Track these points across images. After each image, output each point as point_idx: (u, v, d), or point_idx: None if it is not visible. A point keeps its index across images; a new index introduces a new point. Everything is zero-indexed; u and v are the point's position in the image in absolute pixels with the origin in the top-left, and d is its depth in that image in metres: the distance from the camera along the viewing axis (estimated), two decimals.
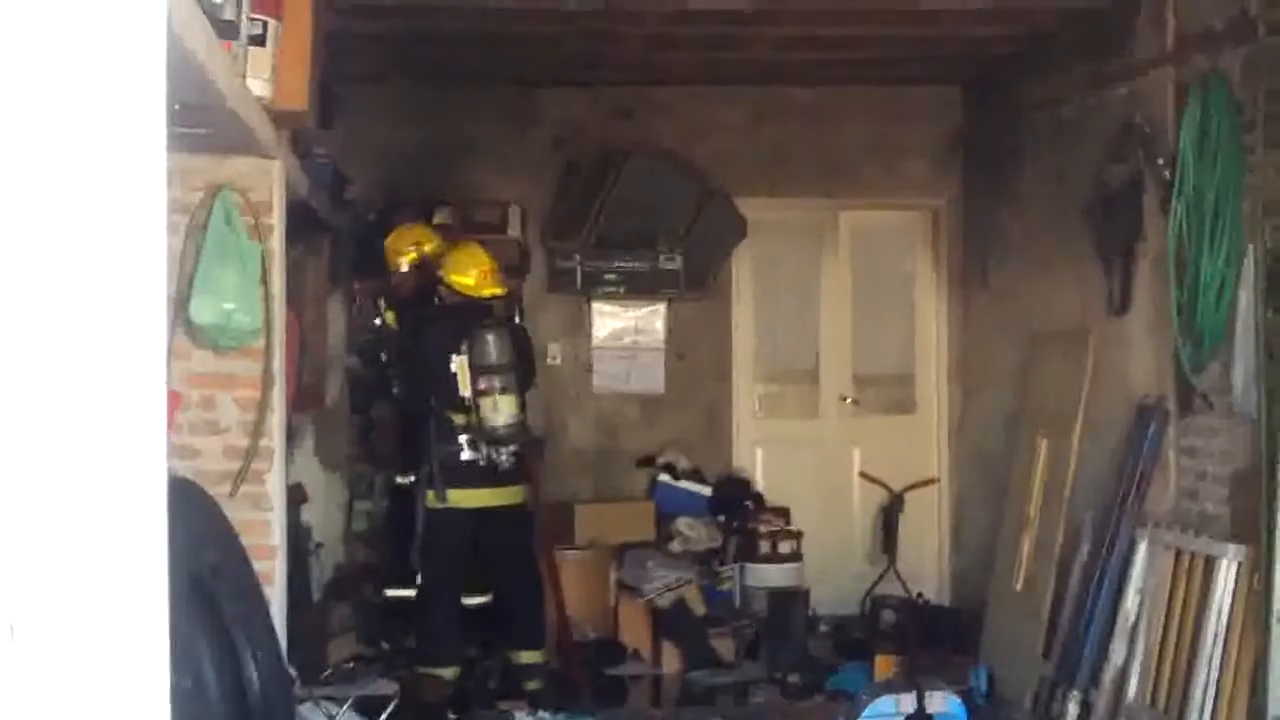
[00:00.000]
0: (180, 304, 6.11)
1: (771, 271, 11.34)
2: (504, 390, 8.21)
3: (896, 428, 11.30)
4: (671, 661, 9.38)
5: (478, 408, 8.17)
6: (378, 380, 9.32)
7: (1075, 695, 7.72)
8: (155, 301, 1.87)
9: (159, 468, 1.89)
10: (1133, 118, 7.98)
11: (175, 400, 6.04)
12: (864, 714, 3.89)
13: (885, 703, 3.96)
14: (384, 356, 9.14)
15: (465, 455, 8.24)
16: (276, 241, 6.40)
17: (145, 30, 1.84)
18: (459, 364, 8.22)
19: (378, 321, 9.19)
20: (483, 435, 8.20)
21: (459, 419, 8.25)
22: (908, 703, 3.98)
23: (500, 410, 8.18)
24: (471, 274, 8.55)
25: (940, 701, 3.98)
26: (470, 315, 8.41)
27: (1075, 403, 8.43)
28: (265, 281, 6.22)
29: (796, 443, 11.20)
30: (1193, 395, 7.24)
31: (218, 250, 6.09)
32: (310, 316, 8.31)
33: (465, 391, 8.20)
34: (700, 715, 5.07)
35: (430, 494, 8.20)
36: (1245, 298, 6.66)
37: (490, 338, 8.24)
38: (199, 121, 5.35)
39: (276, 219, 6.41)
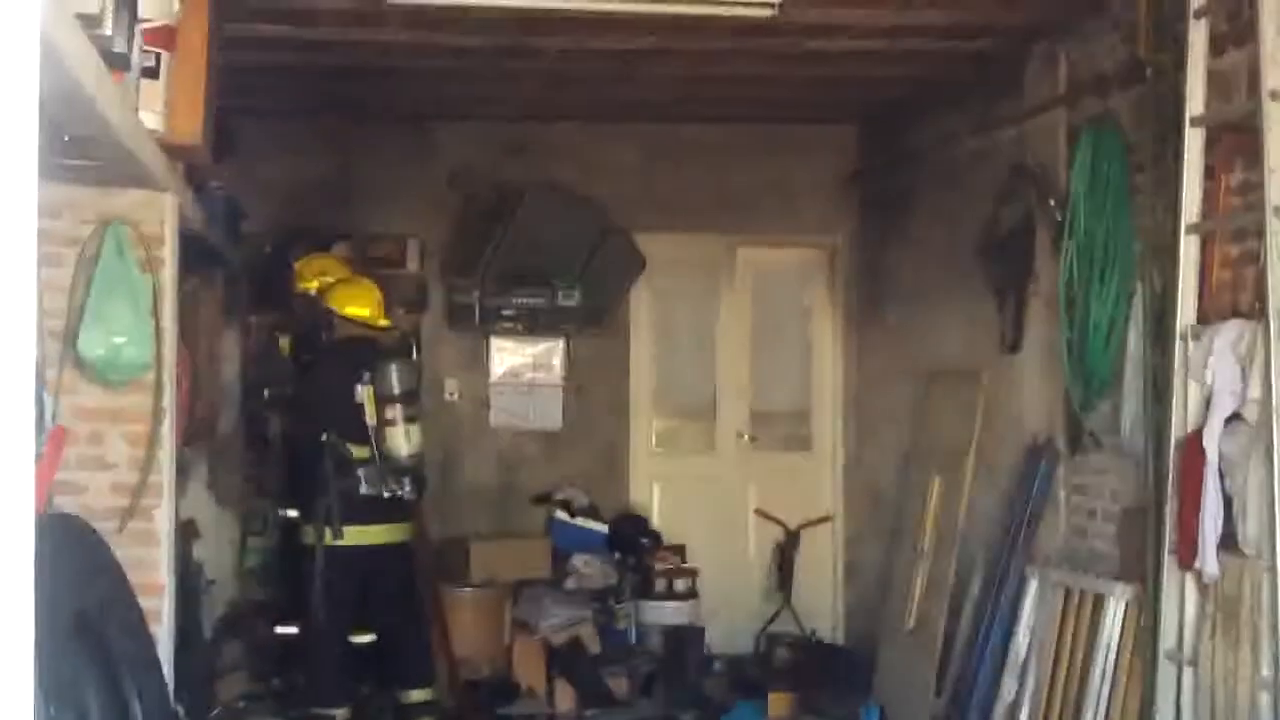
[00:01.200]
0: (69, 338, 6.03)
1: (670, 308, 11.38)
2: (409, 419, 8.19)
3: (792, 465, 11.35)
4: (565, 700, 9.35)
5: (383, 438, 8.13)
6: (269, 413, 9.26)
7: None
8: (24, 334, 1.84)
9: (27, 506, 1.86)
10: (1024, 159, 8.09)
11: (61, 435, 5.94)
12: None
13: None
14: (266, 394, 9.08)
15: (364, 490, 8.17)
16: (169, 275, 6.32)
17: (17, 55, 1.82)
18: (365, 394, 8.17)
19: (279, 340, 9.14)
20: (387, 466, 8.16)
21: (359, 452, 8.19)
22: None
23: (410, 439, 8.17)
24: (366, 305, 8.53)
25: None
26: (366, 347, 8.38)
27: (968, 441, 8.51)
28: (157, 315, 6.15)
29: (693, 479, 11.23)
30: (1082, 434, 7.33)
31: (108, 283, 6.01)
32: (204, 350, 8.22)
33: (371, 421, 8.15)
34: None
35: (325, 531, 8.10)
36: (1134, 338, 6.74)
37: (394, 367, 8.23)
38: (90, 154, 5.29)
39: (169, 252, 6.33)
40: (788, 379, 11.54)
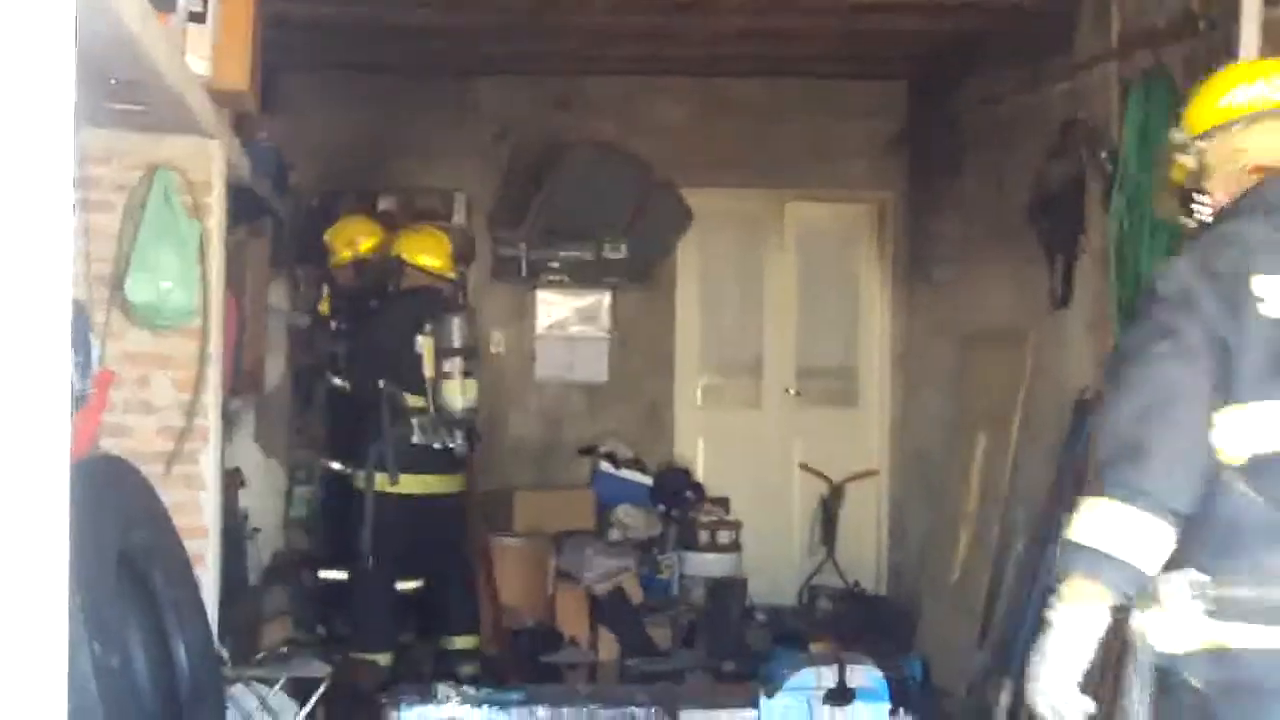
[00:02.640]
0: (116, 282, 6.08)
1: (716, 263, 11.35)
2: (467, 374, 8.20)
3: (838, 420, 11.33)
4: (608, 649, 9.39)
5: (439, 390, 8.15)
6: (317, 362, 9.30)
7: (1008, 684, 7.73)
8: (60, 280, 1.86)
9: (63, 450, 1.88)
10: (1075, 114, 8.02)
11: (109, 379, 5.99)
12: (785, 687, 3.90)
13: (806, 675, 3.98)
14: (334, 325, 9.12)
15: (416, 439, 8.20)
16: (216, 222, 6.36)
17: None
18: (425, 345, 8.17)
19: (326, 292, 9.19)
20: (440, 418, 8.18)
21: (415, 402, 8.21)
22: (829, 676, 3.99)
23: (467, 393, 8.18)
24: (438, 256, 8.55)
25: (862, 676, 4.00)
26: (430, 298, 8.38)
27: (1014, 398, 8.47)
28: (203, 262, 6.19)
29: (738, 434, 11.22)
30: None
31: (156, 229, 6.06)
32: (251, 301, 8.26)
33: (429, 373, 8.17)
34: (627, 693, 5.08)
35: (381, 478, 8.13)
36: None
37: (456, 321, 8.22)
38: (137, 98, 5.32)
39: (216, 199, 6.37)
40: (834, 335, 11.50)
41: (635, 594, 9.65)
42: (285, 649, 7.26)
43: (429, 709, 4.23)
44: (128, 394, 6.17)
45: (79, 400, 5.50)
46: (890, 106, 11.02)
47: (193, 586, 5.72)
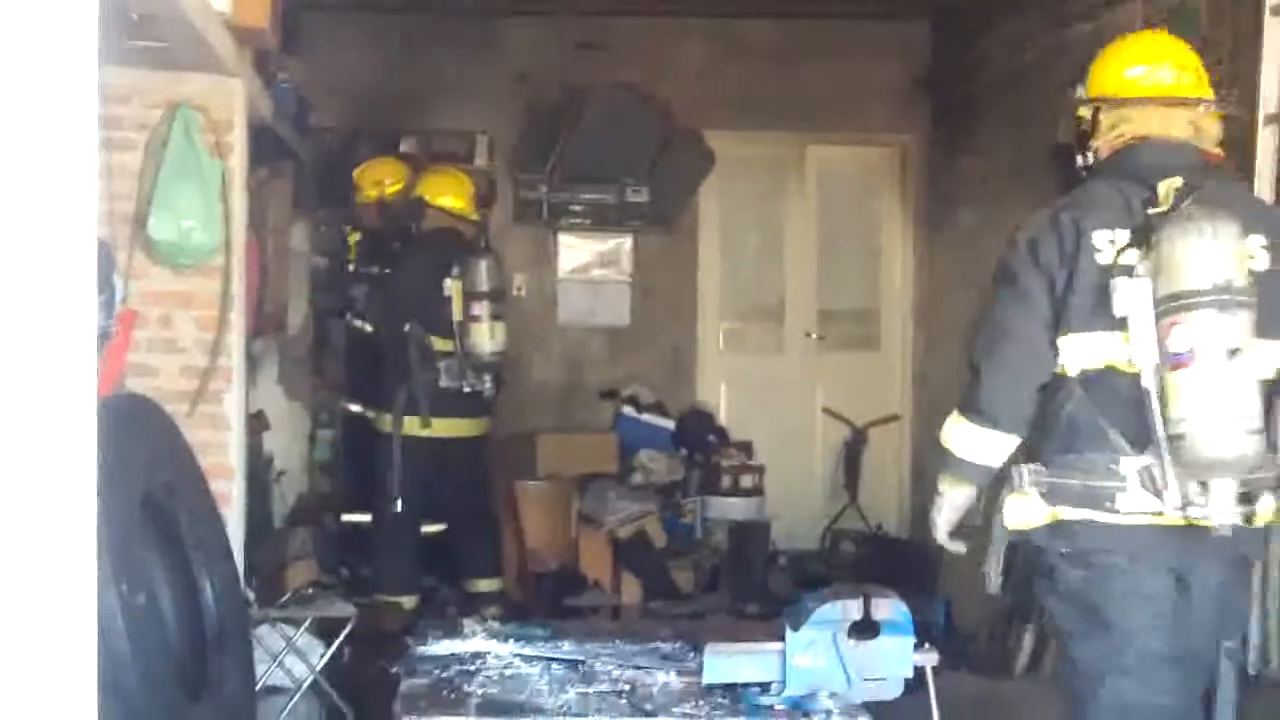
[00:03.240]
0: (139, 221, 6.07)
1: (738, 207, 11.30)
2: (495, 317, 8.15)
3: (860, 364, 11.30)
4: (631, 592, 9.38)
5: (467, 333, 8.11)
6: (337, 304, 9.28)
7: (1030, 628, 7.75)
8: (86, 217, 1.84)
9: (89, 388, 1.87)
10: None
11: (132, 319, 5.99)
12: (809, 620, 3.89)
13: (831, 609, 3.96)
14: (352, 268, 9.09)
15: (443, 382, 8.17)
16: (237, 161, 6.35)
17: None
18: (453, 288, 8.12)
19: (347, 233, 9.16)
20: (468, 362, 8.14)
21: (442, 345, 8.16)
22: (854, 609, 3.98)
23: (495, 336, 8.12)
24: (460, 197, 8.50)
25: (887, 609, 3.99)
26: (454, 241, 8.34)
27: None
28: (225, 200, 6.17)
29: (760, 379, 11.19)
30: None
31: (177, 168, 6.04)
32: (273, 243, 8.25)
33: (457, 316, 8.13)
34: (649, 628, 5.09)
35: (411, 421, 8.09)
36: None
37: (484, 263, 8.14)
38: (158, 34, 5.30)
39: (237, 138, 6.35)
40: (856, 279, 11.46)
41: (658, 538, 9.64)
42: (310, 591, 7.28)
43: (455, 643, 4.23)
44: (151, 334, 6.17)
45: (103, 338, 5.50)
46: (913, 48, 10.94)
47: (218, 527, 5.73)
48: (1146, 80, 4.29)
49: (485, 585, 8.50)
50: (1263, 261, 3.97)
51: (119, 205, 6.06)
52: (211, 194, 6.09)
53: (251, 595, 6.30)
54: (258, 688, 6.03)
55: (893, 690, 4.07)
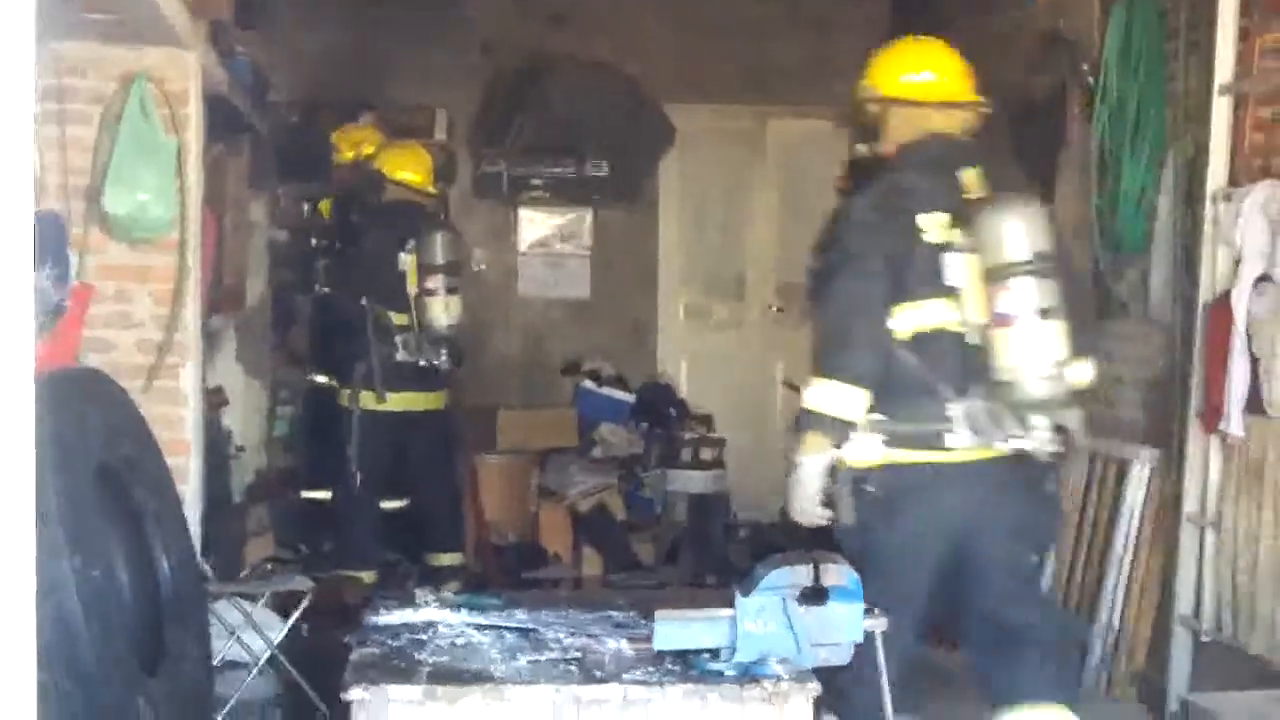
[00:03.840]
0: (94, 195, 6.05)
1: (699, 180, 11.31)
2: (450, 290, 8.13)
3: None
4: (592, 565, 9.41)
5: (424, 307, 8.10)
6: (302, 277, 9.27)
7: None
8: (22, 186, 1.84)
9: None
10: (1057, 26, 7.98)
11: (87, 293, 5.98)
12: (759, 587, 3.92)
13: (780, 575, 3.99)
14: (314, 242, 9.09)
15: (400, 356, 8.15)
16: (193, 134, 6.33)
17: None
18: (408, 262, 8.11)
19: (306, 209, 9.15)
20: (425, 335, 8.13)
21: (399, 319, 8.15)
22: (803, 575, 4.01)
23: (450, 310, 8.10)
24: (418, 171, 8.47)
25: (836, 575, 4.01)
26: (413, 215, 8.32)
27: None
28: (181, 174, 6.16)
29: (721, 352, 11.23)
30: (1110, 302, 7.29)
31: (133, 142, 6.03)
32: (231, 218, 8.22)
33: (412, 290, 8.12)
34: (604, 598, 5.13)
35: (367, 395, 8.08)
36: (1164, 205, 6.71)
37: (439, 236, 8.12)
38: (112, 7, 5.29)
39: (193, 111, 6.34)
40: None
41: (618, 510, 9.67)
42: (269, 566, 7.28)
43: (408, 612, 4.23)
44: (107, 308, 6.16)
45: (57, 312, 5.48)
46: (874, 21, 10.93)
47: (175, 501, 5.72)
48: (923, 83, 5.06)
49: (447, 559, 8.49)
50: None
51: (74, 179, 6.04)
52: (167, 168, 6.08)
53: (209, 569, 6.29)
54: (216, 662, 6.04)
55: (843, 655, 4.09)
